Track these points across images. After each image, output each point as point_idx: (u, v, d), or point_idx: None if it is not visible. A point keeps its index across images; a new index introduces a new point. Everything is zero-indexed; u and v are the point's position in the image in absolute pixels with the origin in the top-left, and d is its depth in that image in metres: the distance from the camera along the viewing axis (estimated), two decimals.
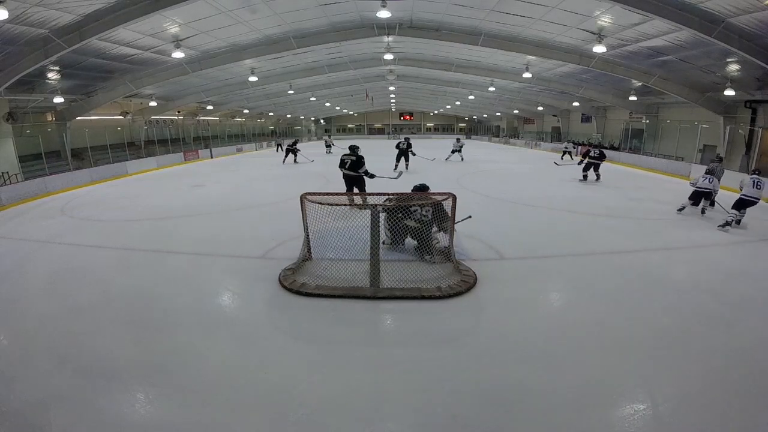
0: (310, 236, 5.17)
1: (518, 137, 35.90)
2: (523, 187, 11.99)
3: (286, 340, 3.70)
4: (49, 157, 13.79)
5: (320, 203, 4.66)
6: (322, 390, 2.93)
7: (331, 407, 2.76)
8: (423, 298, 4.28)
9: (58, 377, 3.06)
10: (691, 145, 15.69)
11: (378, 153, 18.65)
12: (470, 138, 44.47)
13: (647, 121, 19.71)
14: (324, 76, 20.09)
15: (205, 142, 25.61)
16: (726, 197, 8.25)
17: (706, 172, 8.49)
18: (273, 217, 8.32)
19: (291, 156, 19.79)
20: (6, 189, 10.63)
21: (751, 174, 7.76)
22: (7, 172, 12.47)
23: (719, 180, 8.40)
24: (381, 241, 4.82)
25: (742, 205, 7.29)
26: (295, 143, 20.33)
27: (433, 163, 17.04)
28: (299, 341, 3.66)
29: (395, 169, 12.64)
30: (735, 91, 12.55)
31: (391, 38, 13.48)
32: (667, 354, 3.33)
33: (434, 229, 5.51)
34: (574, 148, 22.09)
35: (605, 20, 10.33)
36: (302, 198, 4.83)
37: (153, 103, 19.42)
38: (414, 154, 15.46)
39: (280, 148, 28.78)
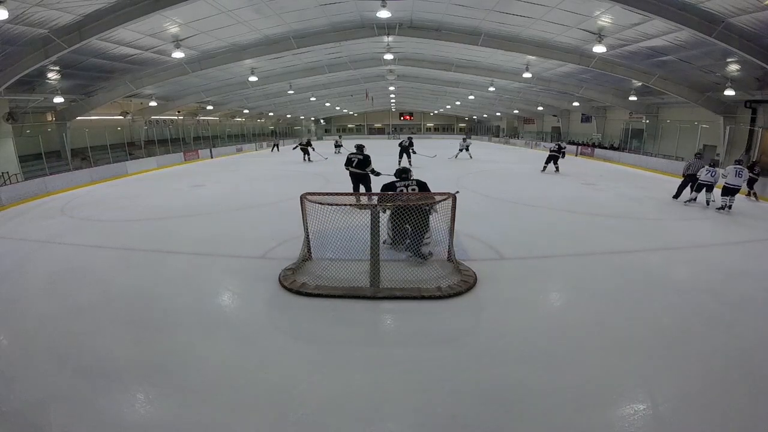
0: (310, 236, 5.17)
1: (518, 137, 35.90)
2: (523, 187, 11.99)
3: (286, 340, 3.70)
4: (49, 157, 13.79)
5: (320, 203, 4.66)
6: (322, 390, 2.93)
7: (331, 407, 2.76)
8: (423, 298, 4.28)
9: (58, 377, 3.06)
10: (691, 145, 15.66)
11: (378, 153, 18.62)
12: (470, 138, 44.44)
13: (647, 121, 19.71)
14: (324, 76, 20.09)
15: (205, 142, 25.62)
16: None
17: (710, 165, 9.32)
18: (273, 217, 8.32)
19: (305, 154, 20.24)
20: (6, 189, 10.63)
21: (734, 164, 8.82)
22: (7, 172, 12.47)
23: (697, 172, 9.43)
24: (382, 240, 4.86)
25: (728, 192, 8.48)
26: (308, 143, 20.72)
27: (434, 164, 17.04)
28: (299, 341, 3.66)
29: (398, 165, 12.82)
30: (735, 91, 12.54)
31: (391, 38, 13.48)
32: (667, 354, 3.33)
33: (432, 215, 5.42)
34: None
35: (605, 20, 10.33)
36: (302, 198, 4.83)
37: (153, 103, 19.42)
38: (414, 152, 16.51)
39: (276, 148, 28.88)
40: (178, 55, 12.05)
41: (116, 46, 11.37)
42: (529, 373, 3.08)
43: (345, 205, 4.99)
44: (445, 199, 5.00)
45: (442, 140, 37.15)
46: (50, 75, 12.44)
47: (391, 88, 29.76)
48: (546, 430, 2.56)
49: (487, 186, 12.13)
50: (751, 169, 10.00)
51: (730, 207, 8.52)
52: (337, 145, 24.83)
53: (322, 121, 50.68)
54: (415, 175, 6.01)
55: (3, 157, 12.68)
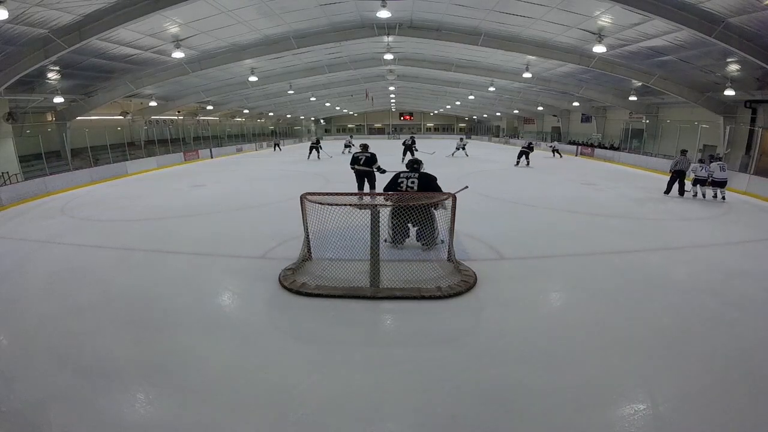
0: (310, 236, 5.17)
1: (518, 137, 35.89)
2: (523, 187, 12.00)
3: (286, 340, 3.70)
4: (49, 157, 13.79)
5: (320, 203, 4.66)
6: (322, 390, 2.93)
7: (331, 407, 2.75)
8: (423, 298, 4.28)
9: (58, 377, 3.06)
10: (691, 145, 15.66)
11: (378, 152, 18.65)
12: (470, 138, 44.47)
13: (647, 121, 19.71)
14: (324, 76, 20.09)
15: (205, 142, 25.63)
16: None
17: (699, 161, 10.37)
18: (273, 217, 8.32)
19: (314, 153, 21.30)
20: (6, 189, 10.63)
21: (717, 161, 10.04)
22: (7, 172, 12.47)
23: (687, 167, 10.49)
24: (382, 239, 4.89)
25: (716, 185, 9.81)
26: (318, 141, 22.11)
27: (434, 164, 16.95)
28: (299, 341, 3.66)
29: (402, 161, 14.46)
30: (735, 91, 12.54)
31: (391, 38, 13.48)
32: (667, 354, 3.33)
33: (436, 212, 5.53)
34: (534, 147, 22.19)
35: (605, 20, 10.33)
36: (302, 198, 4.82)
37: (153, 103, 19.42)
38: (417, 150, 18.30)
39: (277, 147, 28.96)
40: (178, 55, 12.06)
41: (116, 46, 11.37)
42: (529, 373, 3.08)
43: (345, 205, 5.00)
44: (444, 199, 5.00)
45: (441, 140, 37.20)
46: (50, 75, 12.45)
47: (391, 88, 29.76)
48: (546, 430, 2.56)
49: (487, 186, 12.13)
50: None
51: (723, 198, 9.82)
52: (348, 145, 25.25)
53: (322, 121, 50.67)
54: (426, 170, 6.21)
55: (3, 157, 12.68)
